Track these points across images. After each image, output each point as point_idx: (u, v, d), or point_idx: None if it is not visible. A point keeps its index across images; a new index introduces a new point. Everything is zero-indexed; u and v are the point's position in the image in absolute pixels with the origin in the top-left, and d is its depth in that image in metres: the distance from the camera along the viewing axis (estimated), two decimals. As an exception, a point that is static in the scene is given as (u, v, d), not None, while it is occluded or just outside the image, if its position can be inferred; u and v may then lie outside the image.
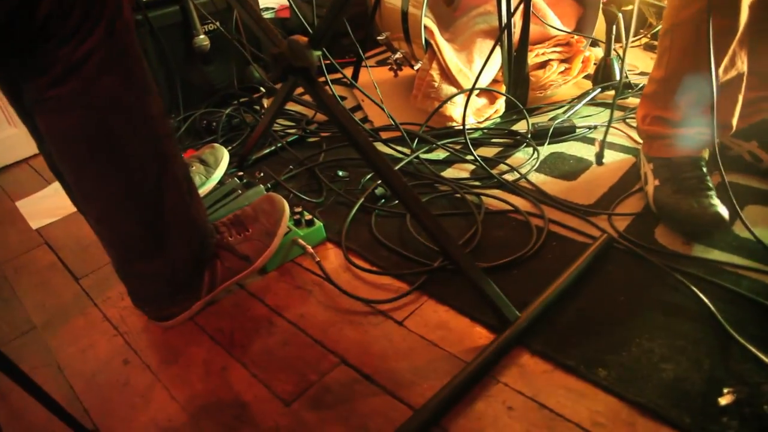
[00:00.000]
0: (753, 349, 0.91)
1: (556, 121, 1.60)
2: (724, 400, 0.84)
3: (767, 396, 0.84)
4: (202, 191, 1.42)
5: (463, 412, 0.88)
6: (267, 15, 2.78)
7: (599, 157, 1.38)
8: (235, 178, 1.48)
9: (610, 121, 1.35)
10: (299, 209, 1.32)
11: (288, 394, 0.95)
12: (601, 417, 0.84)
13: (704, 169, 1.25)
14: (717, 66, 1.17)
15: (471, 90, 1.57)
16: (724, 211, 1.15)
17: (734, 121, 1.28)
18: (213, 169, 1.47)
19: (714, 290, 1.04)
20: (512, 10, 1.58)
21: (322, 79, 1.72)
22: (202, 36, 1.98)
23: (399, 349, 1.01)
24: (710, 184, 1.22)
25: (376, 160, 1.00)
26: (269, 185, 1.53)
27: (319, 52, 1.09)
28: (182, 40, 1.99)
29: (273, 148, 1.76)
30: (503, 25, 1.56)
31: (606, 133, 1.36)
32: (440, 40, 1.65)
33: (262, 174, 1.58)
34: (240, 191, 1.46)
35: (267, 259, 1.21)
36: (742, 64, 1.21)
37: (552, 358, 0.94)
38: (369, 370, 0.97)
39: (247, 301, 1.18)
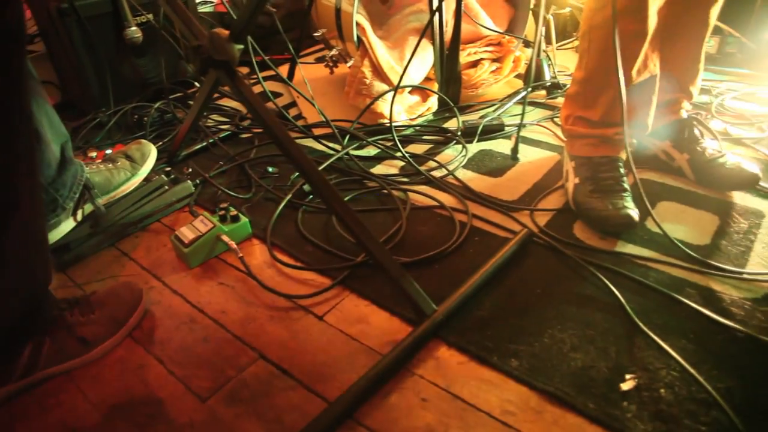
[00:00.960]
0: (655, 337, 0.95)
1: (486, 120, 1.64)
2: (625, 386, 0.88)
3: (665, 380, 0.89)
4: (127, 187, 1.39)
5: (378, 405, 0.89)
6: (205, 9, 2.73)
7: (514, 152, 1.43)
8: (162, 175, 1.45)
9: (522, 119, 1.39)
10: (225, 205, 1.30)
11: (204, 390, 0.94)
12: (511, 405, 0.87)
13: (621, 170, 1.30)
14: (630, 68, 1.22)
15: (396, 87, 1.58)
16: (635, 214, 1.20)
17: (650, 122, 1.33)
18: (139, 165, 1.43)
19: (624, 282, 1.09)
20: (441, 9, 1.61)
21: (255, 76, 1.70)
22: (133, 28, 1.93)
23: (318, 343, 1.01)
24: (625, 185, 1.27)
25: (296, 156, 1.00)
26: (198, 181, 1.51)
27: (240, 46, 1.08)
28: (113, 32, 1.93)
29: (204, 143, 1.73)
30: (429, 22, 1.58)
31: (519, 130, 1.41)
32: (372, 38, 1.66)
33: (190, 170, 1.56)
34: (167, 187, 1.43)
35: (108, 350, 1.04)
36: (655, 67, 1.26)
37: (467, 349, 0.96)
38: (287, 365, 0.97)
39: (169, 299, 1.16)
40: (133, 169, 1.41)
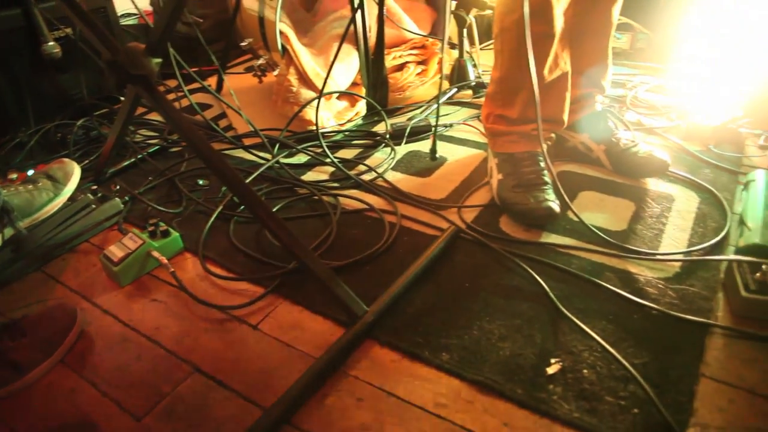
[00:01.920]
0: (577, 321, 1.00)
1: (413, 121, 1.67)
2: (551, 370, 0.92)
3: (587, 361, 0.93)
4: (50, 208, 1.35)
5: (314, 408, 0.90)
6: (129, 21, 2.68)
7: (432, 153, 1.48)
8: (88, 194, 1.42)
9: (437, 121, 1.44)
10: (154, 221, 1.29)
11: (139, 409, 0.93)
12: (444, 398, 0.90)
13: (542, 164, 1.35)
14: (542, 68, 1.27)
15: (321, 94, 1.59)
16: (555, 206, 1.25)
17: (564, 117, 1.40)
18: (62, 185, 1.40)
19: (548, 271, 1.14)
20: (363, 14, 1.63)
21: (184, 89, 1.68)
22: (51, 43, 1.87)
23: (254, 352, 1.01)
24: (546, 179, 1.33)
25: (220, 167, 1.00)
26: (126, 198, 1.49)
27: (158, 60, 1.08)
28: (28, 47, 1.87)
29: (132, 160, 1.70)
30: (348, 28, 1.60)
31: (435, 131, 1.46)
32: (296, 45, 1.67)
33: (118, 187, 1.53)
34: (94, 206, 1.40)
35: (44, 373, 1.01)
36: (565, 65, 1.32)
37: (399, 347, 0.98)
38: (223, 376, 0.97)
39: (100, 320, 1.14)
40: (55, 189, 1.37)
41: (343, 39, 1.45)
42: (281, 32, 1.68)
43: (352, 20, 1.48)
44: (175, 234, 1.28)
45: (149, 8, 2.74)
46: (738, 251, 1.13)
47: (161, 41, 1.02)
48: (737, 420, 0.83)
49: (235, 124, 1.84)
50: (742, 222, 1.20)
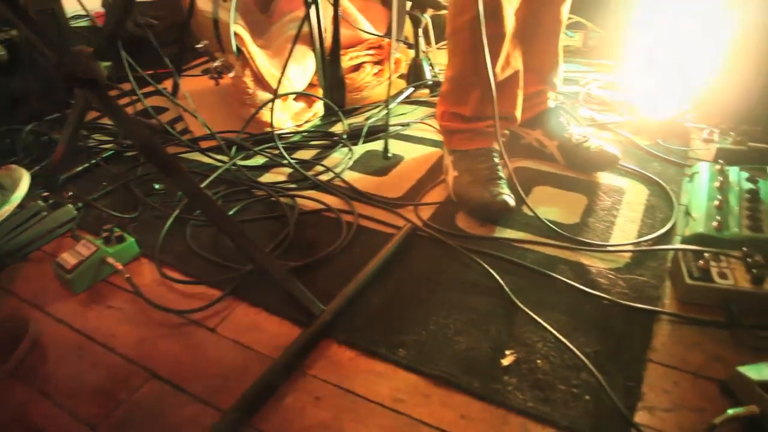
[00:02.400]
0: (531, 314, 1.02)
1: (370, 121, 1.68)
2: (506, 362, 0.94)
3: (541, 352, 0.96)
4: (-1, 216, 1.32)
5: (273, 408, 0.90)
6: (81, 23, 2.61)
7: (385, 152, 1.49)
8: (39, 201, 1.39)
9: (387, 120, 1.45)
10: (109, 226, 1.27)
11: (94, 418, 0.92)
12: (401, 393, 0.91)
13: (496, 159, 1.37)
14: (494, 66, 1.29)
15: (275, 95, 1.59)
16: (510, 199, 1.28)
17: (518, 113, 1.42)
18: (10, 193, 1.36)
19: (503, 265, 1.16)
20: (318, 14, 1.64)
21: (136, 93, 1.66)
22: (-5, 46, 1.82)
23: (212, 355, 1.01)
24: (501, 174, 1.35)
25: (174, 172, 0.99)
26: (80, 204, 1.46)
27: (107, 63, 1.06)
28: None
29: (86, 165, 1.67)
30: (300, 29, 1.60)
31: (387, 132, 1.48)
32: (251, 47, 1.66)
33: (71, 193, 1.50)
34: (46, 213, 1.37)
35: None
36: (517, 63, 1.35)
37: (356, 345, 0.99)
38: (180, 381, 0.96)
39: (53, 329, 1.12)
40: (2, 196, 1.34)
41: (296, 39, 1.45)
42: (236, 34, 1.67)
43: (305, 20, 1.47)
44: (130, 239, 1.26)
45: (101, 9, 2.69)
46: (683, 240, 1.17)
47: (110, 44, 1.01)
48: (682, 401, 0.86)
49: (191, 127, 1.82)
50: (687, 212, 1.25)
